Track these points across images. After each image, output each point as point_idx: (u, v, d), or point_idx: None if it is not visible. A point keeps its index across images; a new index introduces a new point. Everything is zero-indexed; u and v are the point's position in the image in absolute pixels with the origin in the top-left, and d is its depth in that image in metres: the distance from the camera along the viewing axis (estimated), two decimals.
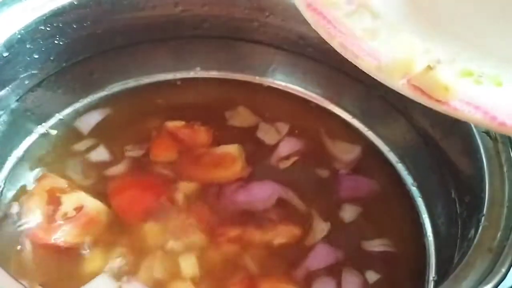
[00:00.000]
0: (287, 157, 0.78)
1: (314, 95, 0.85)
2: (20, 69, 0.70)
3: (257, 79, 0.86)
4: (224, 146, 0.78)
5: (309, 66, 0.83)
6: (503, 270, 0.47)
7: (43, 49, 0.71)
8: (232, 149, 0.78)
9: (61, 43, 0.72)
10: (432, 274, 0.66)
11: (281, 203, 0.72)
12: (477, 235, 0.51)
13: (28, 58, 0.70)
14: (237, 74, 0.86)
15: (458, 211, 0.63)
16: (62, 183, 0.71)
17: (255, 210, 0.71)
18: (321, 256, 0.67)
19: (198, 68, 0.86)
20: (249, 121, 0.82)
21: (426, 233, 0.70)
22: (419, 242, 0.69)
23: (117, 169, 0.74)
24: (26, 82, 0.72)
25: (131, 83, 0.83)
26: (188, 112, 0.81)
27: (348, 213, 0.71)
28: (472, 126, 0.62)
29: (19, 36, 0.67)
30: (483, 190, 0.56)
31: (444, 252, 0.66)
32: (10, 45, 0.66)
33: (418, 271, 0.66)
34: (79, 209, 0.68)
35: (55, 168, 0.74)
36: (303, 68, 0.84)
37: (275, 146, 0.79)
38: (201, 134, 0.79)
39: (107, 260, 0.65)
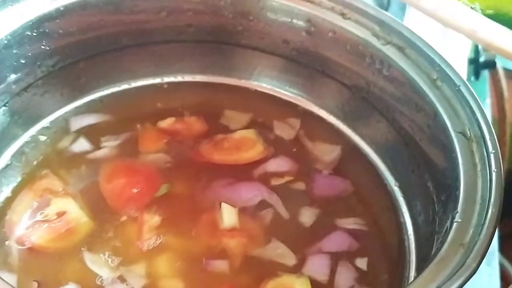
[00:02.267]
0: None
1: (298, 97, 0.86)
2: (7, 74, 0.71)
3: (242, 83, 0.88)
4: (241, 131, 0.81)
5: (293, 69, 0.84)
6: (474, 264, 0.49)
7: (29, 54, 0.72)
8: (249, 133, 0.81)
9: (47, 48, 0.74)
10: (412, 272, 0.67)
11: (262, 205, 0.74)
12: (451, 232, 0.52)
13: (15, 63, 0.71)
14: (223, 78, 0.88)
15: (436, 209, 0.64)
16: (57, 185, 0.72)
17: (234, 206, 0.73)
18: None
19: (183, 72, 0.87)
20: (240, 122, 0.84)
21: (407, 232, 0.72)
22: (400, 242, 0.71)
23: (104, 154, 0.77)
24: (13, 87, 0.73)
25: (118, 87, 0.85)
26: (176, 114, 0.83)
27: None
28: (449, 126, 0.64)
29: (5, 42, 0.68)
30: (458, 188, 0.57)
31: (423, 250, 0.67)
32: None
33: (398, 271, 0.67)
34: (60, 214, 0.69)
35: (43, 171, 0.75)
36: (287, 72, 0.85)
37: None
38: (195, 124, 0.82)
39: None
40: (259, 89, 0.87)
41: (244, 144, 0.80)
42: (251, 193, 0.75)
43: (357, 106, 0.80)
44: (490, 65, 1.21)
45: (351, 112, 0.82)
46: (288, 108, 0.85)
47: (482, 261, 0.49)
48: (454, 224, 0.53)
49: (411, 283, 0.50)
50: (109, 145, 0.79)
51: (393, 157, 0.77)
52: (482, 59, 1.20)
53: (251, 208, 0.74)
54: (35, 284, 0.63)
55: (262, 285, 0.65)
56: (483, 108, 0.63)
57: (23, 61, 0.72)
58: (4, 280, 0.48)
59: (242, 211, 0.73)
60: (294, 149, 0.80)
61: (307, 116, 0.84)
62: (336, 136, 0.82)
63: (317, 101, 0.85)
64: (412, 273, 0.67)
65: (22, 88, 0.74)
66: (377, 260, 0.69)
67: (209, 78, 0.88)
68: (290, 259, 0.68)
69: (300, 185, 0.77)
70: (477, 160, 0.59)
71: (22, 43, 0.70)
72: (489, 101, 1.25)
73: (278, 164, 0.78)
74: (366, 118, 0.80)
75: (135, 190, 0.74)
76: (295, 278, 0.66)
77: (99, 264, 0.66)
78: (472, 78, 1.22)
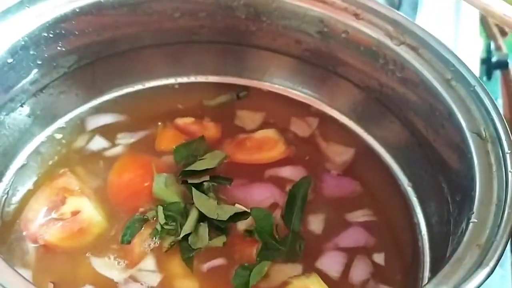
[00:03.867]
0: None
1: (311, 98, 0.86)
2: (24, 75, 0.72)
3: (255, 83, 0.88)
4: (262, 131, 0.82)
5: (305, 70, 0.85)
6: (491, 265, 0.49)
7: (46, 55, 0.73)
8: (270, 133, 0.82)
9: (63, 49, 0.74)
10: (426, 272, 0.67)
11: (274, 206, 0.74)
12: (467, 232, 0.53)
13: (32, 64, 0.72)
14: (235, 78, 0.88)
15: (451, 210, 0.64)
16: (74, 184, 0.73)
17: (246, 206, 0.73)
18: None
19: (197, 73, 0.88)
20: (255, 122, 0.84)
21: (420, 232, 0.72)
22: (413, 242, 0.71)
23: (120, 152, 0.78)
24: (30, 87, 0.73)
25: (132, 88, 0.85)
26: (192, 114, 0.83)
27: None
28: (464, 126, 0.64)
29: (23, 43, 0.68)
30: (473, 189, 0.57)
31: (437, 251, 0.67)
32: (14, 51, 0.68)
33: (412, 271, 0.67)
34: (75, 213, 0.70)
35: (60, 169, 0.75)
36: (300, 72, 0.85)
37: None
38: (211, 130, 0.82)
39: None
40: (272, 89, 0.88)
41: (265, 143, 0.80)
42: (264, 195, 0.75)
43: (370, 107, 0.80)
44: (502, 65, 1.21)
45: (364, 113, 0.82)
46: (301, 109, 0.86)
47: (498, 261, 0.49)
48: (470, 225, 0.53)
49: (427, 283, 0.50)
50: (124, 142, 0.80)
51: (406, 157, 0.78)
52: (494, 59, 1.20)
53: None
54: (51, 285, 0.64)
55: None
56: (498, 108, 0.63)
57: (39, 62, 0.72)
58: (25, 278, 0.49)
59: None
60: (307, 157, 0.80)
61: (320, 117, 0.85)
62: (349, 137, 0.82)
63: (330, 102, 0.85)
64: (426, 273, 0.67)
65: (39, 89, 0.75)
66: (390, 260, 0.69)
67: (222, 78, 0.88)
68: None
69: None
70: (492, 160, 0.59)
71: (38, 44, 0.70)
72: (501, 101, 1.24)
73: (292, 171, 0.78)
74: (379, 119, 0.80)
75: (146, 184, 0.74)
76: (305, 278, 0.66)
77: (108, 267, 0.67)
78: (484, 78, 1.22)
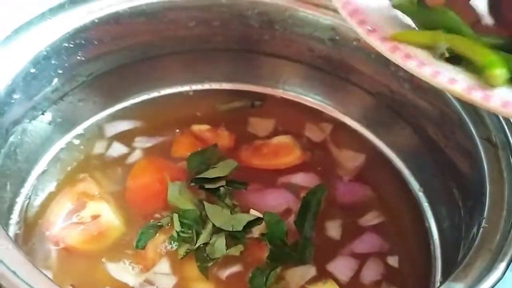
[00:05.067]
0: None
1: (323, 105, 0.88)
2: (46, 84, 0.74)
3: (268, 90, 0.90)
4: (278, 137, 0.83)
5: (317, 77, 0.86)
6: (502, 269, 0.50)
7: (66, 65, 0.75)
8: (286, 139, 0.83)
9: (83, 58, 0.77)
10: (438, 277, 0.68)
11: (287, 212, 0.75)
12: (478, 237, 0.54)
13: (53, 73, 0.74)
14: (249, 86, 0.90)
15: (462, 215, 0.66)
16: (94, 189, 0.75)
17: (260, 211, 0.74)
18: None
19: (211, 80, 0.89)
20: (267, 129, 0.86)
21: (432, 237, 0.73)
22: (425, 247, 0.72)
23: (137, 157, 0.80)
24: (51, 95, 0.76)
25: (148, 95, 0.87)
26: (207, 120, 0.85)
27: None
28: (474, 133, 0.65)
29: (45, 53, 0.71)
30: (484, 195, 0.59)
31: (449, 255, 0.69)
32: (36, 61, 0.70)
33: (424, 276, 0.69)
34: (94, 217, 0.72)
35: (80, 175, 0.78)
36: (312, 79, 0.87)
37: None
38: (225, 138, 0.83)
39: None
40: (284, 96, 0.89)
41: (282, 149, 0.82)
42: (277, 200, 0.77)
43: (381, 114, 0.82)
44: None
45: (375, 119, 0.84)
46: (313, 115, 0.87)
47: (509, 265, 0.50)
48: (481, 230, 0.54)
49: (438, 287, 0.51)
50: (141, 146, 0.82)
51: (417, 163, 0.79)
52: None
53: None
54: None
55: None
56: None
57: (60, 72, 0.75)
58: (49, 278, 0.50)
59: None
60: (320, 163, 0.81)
61: (332, 122, 0.86)
62: (360, 142, 0.83)
63: (341, 108, 0.87)
64: (438, 277, 0.68)
65: (59, 97, 0.77)
66: (403, 264, 0.70)
67: (235, 85, 0.90)
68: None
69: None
70: (503, 166, 0.60)
71: (60, 54, 0.73)
72: None
73: (305, 178, 0.79)
74: (390, 124, 0.81)
75: (162, 189, 0.75)
76: (322, 285, 0.68)
77: (123, 272, 0.68)
78: None
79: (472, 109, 0.67)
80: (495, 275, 0.49)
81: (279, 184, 0.78)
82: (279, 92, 0.89)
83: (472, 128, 0.65)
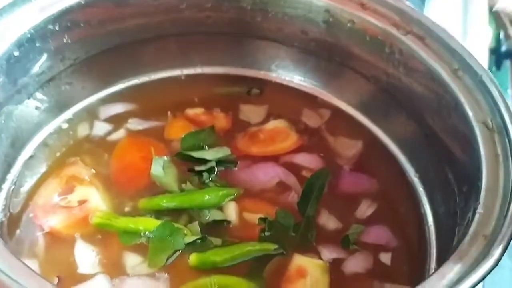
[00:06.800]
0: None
1: (317, 88, 0.86)
2: (30, 67, 0.72)
3: (261, 74, 0.88)
4: (273, 121, 0.82)
5: (311, 60, 0.84)
6: (496, 255, 0.49)
7: (52, 48, 0.73)
8: (281, 123, 0.82)
9: (69, 41, 0.74)
10: (433, 264, 0.67)
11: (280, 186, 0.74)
12: (473, 223, 0.52)
13: (38, 57, 0.72)
14: (242, 69, 0.88)
15: (457, 201, 0.64)
16: (84, 173, 0.74)
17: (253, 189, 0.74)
18: None
19: (203, 64, 0.87)
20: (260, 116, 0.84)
21: (427, 223, 0.71)
22: (420, 233, 0.71)
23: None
24: (36, 79, 0.74)
25: (138, 80, 0.85)
26: (201, 105, 0.83)
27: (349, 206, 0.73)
28: (471, 116, 0.64)
29: (28, 36, 0.69)
30: (479, 179, 0.57)
31: (444, 241, 0.67)
32: (20, 44, 0.68)
33: (419, 261, 0.68)
34: (81, 202, 0.70)
35: (68, 156, 0.76)
36: (306, 63, 0.85)
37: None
38: (221, 120, 0.82)
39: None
40: (278, 80, 0.87)
41: (278, 134, 0.80)
42: (268, 175, 0.75)
43: (376, 97, 0.80)
44: None
45: (371, 104, 0.82)
46: (310, 101, 0.85)
47: (504, 252, 0.49)
48: (476, 216, 0.53)
49: (433, 273, 0.49)
50: (133, 128, 0.81)
51: (413, 148, 0.77)
52: (503, 48, 1.18)
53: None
54: (56, 279, 0.64)
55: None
56: (505, 98, 0.63)
57: (45, 55, 0.73)
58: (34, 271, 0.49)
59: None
60: (319, 149, 0.79)
61: (329, 108, 0.84)
62: (356, 128, 0.82)
63: (336, 93, 0.85)
64: (433, 264, 0.67)
65: (45, 81, 0.76)
66: (397, 251, 0.69)
67: (228, 70, 0.88)
68: None
69: None
70: (499, 151, 0.59)
71: (45, 37, 0.71)
72: (510, 92, 1.23)
73: (306, 158, 0.78)
74: (386, 109, 0.80)
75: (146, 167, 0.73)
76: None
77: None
78: (494, 69, 1.20)
79: (468, 92, 0.65)
80: (490, 262, 0.48)
81: (280, 163, 0.77)
82: (273, 77, 0.88)
83: (468, 112, 0.63)
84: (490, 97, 0.63)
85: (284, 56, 0.86)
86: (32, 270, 0.50)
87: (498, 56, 1.22)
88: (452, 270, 0.48)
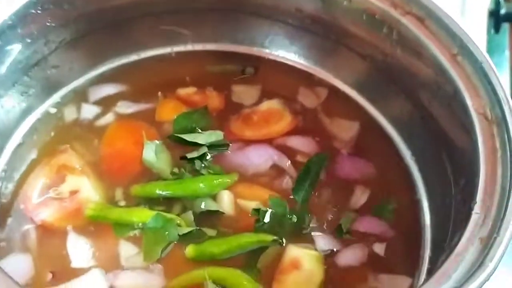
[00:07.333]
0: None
1: (313, 67, 0.84)
2: (13, 54, 0.69)
3: (254, 51, 0.85)
4: (266, 102, 0.79)
5: (306, 38, 0.82)
6: (493, 265, 0.48)
7: (35, 33, 0.70)
8: (275, 104, 0.79)
9: (53, 25, 0.72)
10: (427, 250, 0.67)
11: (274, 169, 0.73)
12: (468, 225, 0.52)
13: (21, 44, 0.69)
14: (234, 46, 0.85)
15: (453, 192, 0.64)
16: (74, 162, 0.72)
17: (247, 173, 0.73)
18: None
19: (194, 41, 0.84)
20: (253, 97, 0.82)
21: (422, 209, 0.71)
22: (415, 220, 0.70)
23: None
24: (20, 66, 0.71)
25: (127, 59, 0.83)
26: (193, 83, 0.81)
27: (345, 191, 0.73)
28: (469, 105, 0.62)
29: (9, 22, 0.66)
30: (477, 175, 0.56)
31: (439, 229, 0.67)
32: (1, 32, 0.65)
33: (414, 250, 0.68)
34: (73, 192, 0.69)
35: (58, 143, 0.74)
36: (301, 40, 0.82)
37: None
38: (214, 99, 0.80)
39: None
40: (272, 57, 0.85)
41: (272, 115, 0.78)
42: (262, 157, 0.74)
43: (374, 78, 0.78)
44: (511, 18, 1.16)
45: (368, 83, 0.80)
46: (306, 80, 0.83)
47: (501, 258, 0.48)
48: (472, 216, 0.52)
49: (427, 281, 0.49)
50: (122, 111, 0.78)
51: (410, 130, 0.76)
52: (502, 11, 1.15)
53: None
54: (50, 275, 0.64)
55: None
56: (504, 87, 0.61)
57: (29, 40, 0.70)
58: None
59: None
60: (317, 138, 0.77)
61: (326, 87, 0.82)
62: (353, 109, 0.80)
63: (332, 71, 0.82)
64: (428, 252, 0.67)
65: (30, 66, 0.73)
66: (392, 241, 0.68)
67: (220, 47, 0.85)
68: None
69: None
70: (497, 145, 0.57)
71: (26, 22, 0.68)
72: (508, 53, 1.21)
73: (299, 142, 0.76)
74: (383, 89, 0.78)
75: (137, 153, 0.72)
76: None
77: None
78: (492, 31, 1.17)
79: (468, 80, 0.63)
80: (487, 271, 0.48)
81: (273, 146, 0.76)
82: (266, 53, 0.85)
83: (467, 101, 0.62)
84: (490, 86, 0.62)
85: (278, 33, 0.83)
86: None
87: (497, 19, 1.19)
88: (448, 276, 0.48)
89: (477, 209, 0.53)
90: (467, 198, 0.56)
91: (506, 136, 0.58)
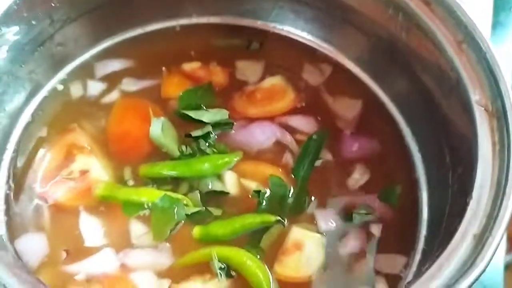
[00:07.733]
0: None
1: (318, 42, 0.84)
2: (19, 37, 0.69)
3: (258, 24, 0.85)
4: (269, 78, 0.80)
5: (311, 13, 0.81)
6: (485, 262, 0.50)
7: (40, 14, 0.70)
8: (278, 80, 0.80)
9: (58, 5, 0.71)
10: (423, 231, 0.70)
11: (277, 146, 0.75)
12: (463, 221, 0.54)
13: (26, 26, 0.69)
14: (239, 19, 0.85)
15: (450, 178, 0.65)
16: (83, 141, 0.73)
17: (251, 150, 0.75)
18: None
19: (198, 14, 0.84)
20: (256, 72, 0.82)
21: (420, 189, 0.73)
22: (412, 199, 0.72)
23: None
24: (27, 48, 0.72)
25: (132, 33, 0.83)
26: (198, 57, 0.81)
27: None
28: (471, 96, 0.63)
29: (15, 7, 0.65)
30: (474, 168, 0.58)
31: (435, 210, 0.70)
32: (7, 15, 0.65)
33: (410, 229, 0.70)
34: (83, 172, 0.71)
35: (66, 121, 0.76)
36: (306, 16, 0.82)
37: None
38: (218, 75, 0.80)
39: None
40: (276, 31, 0.84)
41: (275, 92, 0.79)
42: (265, 134, 0.75)
43: (378, 58, 0.78)
44: None
45: (371, 61, 0.80)
46: (308, 53, 0.83)
47: (493, 255, 0.51)
48: (467, 212, 0.54)
49: (420, 276, 0.52)
50: (128, 89, 0.79)
51: (411, 109, 0.77)
52: None
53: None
54: (64, 254, 0.66)
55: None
56: (506, 80, 0.61)
57: (34, 22, 0.70)
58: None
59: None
60: (319, 118, 0.78)
61: (328, 63, 0.82)
62: (356, 86, 0.80)
63: (337, 47, 0.82)
64: (424, 232, 0.70)
65: (36, 46, 0.73)
66: (388, 221, 0.71)
67: (224, 19, 0.85)
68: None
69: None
70: (496, 139, 0.59)
71: (31, 5, 0.67)
72: None
73: (301, 121, 0.78)
74: (386, 69, 0.78)
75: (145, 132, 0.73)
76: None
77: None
78: None
79: (471, 69, 0.64)
80: (479, 269, 0.50)
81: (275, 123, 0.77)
82: (271, 27, 0.85)
83: (469, 92, 0.62)
84: (493, 77, 0.62)
85: (283, 7, 0.82)
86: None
87: None
88: (438, 276, 0.50)
89: (472, 205, 0.55)
90: (464, 189, 0.58)
91: (505, 132, 0.59)
